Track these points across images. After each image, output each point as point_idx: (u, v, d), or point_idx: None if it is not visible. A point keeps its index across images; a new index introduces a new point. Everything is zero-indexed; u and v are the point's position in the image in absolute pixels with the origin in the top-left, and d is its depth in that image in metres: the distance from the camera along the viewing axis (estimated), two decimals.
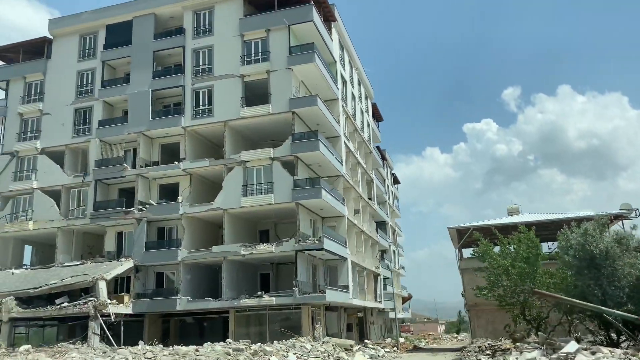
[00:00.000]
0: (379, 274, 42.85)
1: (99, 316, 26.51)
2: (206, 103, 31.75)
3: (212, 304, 28.57)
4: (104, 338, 26.76)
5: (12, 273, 31.96)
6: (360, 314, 40.04)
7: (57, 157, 34.08)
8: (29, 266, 34.65)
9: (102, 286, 27.42)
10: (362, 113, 44.13)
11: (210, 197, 32.82)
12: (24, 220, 33.06)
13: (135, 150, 33.29)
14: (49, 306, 27.72)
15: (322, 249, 27.80)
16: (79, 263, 31.31)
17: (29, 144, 34.48)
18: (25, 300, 28.91)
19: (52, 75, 35.41)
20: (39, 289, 28.41)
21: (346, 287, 31.71)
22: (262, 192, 29.30)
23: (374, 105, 49.06)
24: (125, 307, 28.86)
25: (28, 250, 38.43)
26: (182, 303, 28.75)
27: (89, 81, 34.58)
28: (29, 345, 24.52)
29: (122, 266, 29.24)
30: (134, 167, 32.10)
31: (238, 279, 30.36)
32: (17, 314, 27.77)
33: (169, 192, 32.28)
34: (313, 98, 29.87)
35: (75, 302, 27.26)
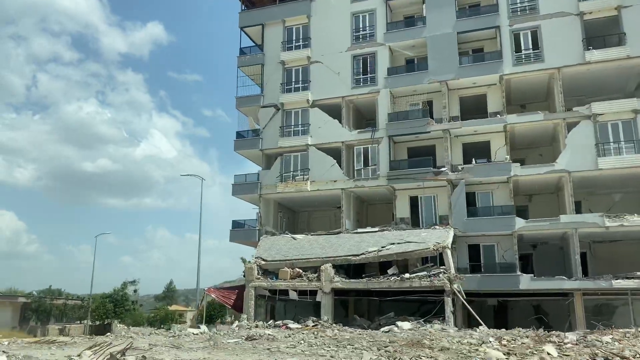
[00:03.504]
0: None
1: (455, 292, 22.19)
2: (530, 47, 26.76)
3: (566, 283, 23.80)
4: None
5: (293, 238, 28.25)
6: None
7: (329, 110, 30.00)
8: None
9: (450, 256, 23.08)
10: None
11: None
12: (300, 180, 29.20)
13: (424, 103, 28.84)
14: (382, 277, 23.65)
15: None
16: (377, 229, 27.17)
17: (297, 95, 30.54)
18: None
19: (319, 18, 31.26)
20: (361, 256, 24.44)
21: None
22: (624, 151, 24.14)
23: None
24: None
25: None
26: (525, 282, 24.12)
27: (367, 24, 30.20)
28: (407, 323, 20.41)
29: (449, 235, 24.82)
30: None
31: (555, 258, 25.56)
32: (341, 284, 23.86)
33: (475, 152, 27.61)
34: None
35: (418, 273, 23.02)
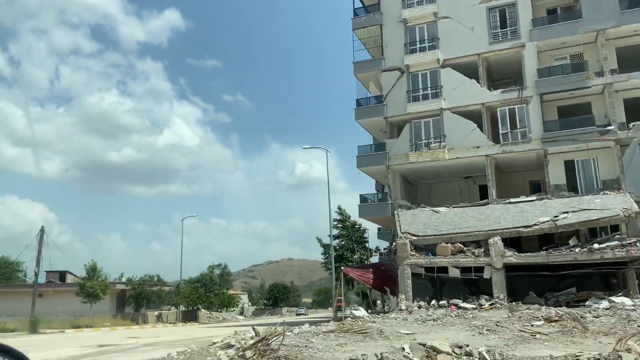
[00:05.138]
0: None
1: None
2: None
3: None
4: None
5: (435, 211, 25.89)
6: None
7: (460, 69, 27.30)
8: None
9: None
10: None
11: None
12: (436, 148, 26.70)
13: (574, 57, 25.91)
14: (564, 249, 21.14)
15: None
16: (534, 198, 24.61)
17: (424, 55, 27.89)
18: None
19: None
20: (534, 227, 21.96)
21: None
22: None
23: None
24: None
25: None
26: None
27: None
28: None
29: (631, 200, 22.09)
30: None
31: None
32: (515, 258, 21.44)
33: (637, 108, 24.66)
34: None
35: (608, 243, 20.42)
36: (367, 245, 64.68)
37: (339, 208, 64.27)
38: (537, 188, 27.64)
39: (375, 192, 30.17)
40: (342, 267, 27.33)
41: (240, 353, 6.92)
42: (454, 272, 22.67)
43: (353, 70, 29.50)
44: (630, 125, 23.67)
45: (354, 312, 21.66)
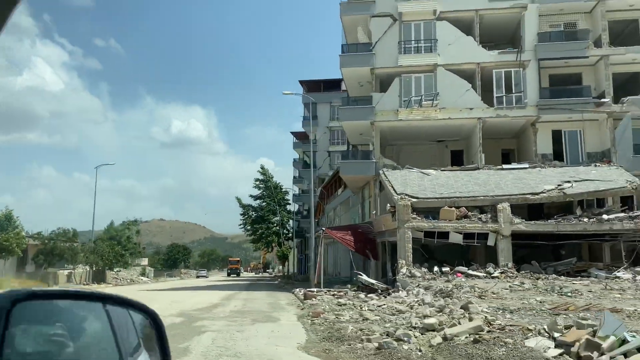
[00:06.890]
0: None
1: None
2: None
3: None
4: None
5: (424, 173, 24.34)
6: None
7: (456, 25, 25.65)
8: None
9: None
10: None
11: None
12: (428, 107, 24.94)
13: (567, 25, 25.48)
14: (573, 218, 20.63)
15: None
16: (527, 166, 23.99)
17: (420, 4, 25.72)
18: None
19: None
20: (541, 194, 21.22)
21: None
22: None
23: None
24: None
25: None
26: None
27: None
28: None
29: (626, 174, 22.24)
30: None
31: None
32: (524, 226, 20.58)
33: (624, 82, 24.97)
34: None
35: (617, 214, 20.27)
36: (288, 207, 62.32)
37: (262, 167, 61.13)
38: (506, 157, 27.30)
39: (349, 150, 27.78)
40: (323, 229, 24.80)
41: None
42: (456, 238, 21.29)
43: (339, 12, 26.43)
44: (624, 99, 23.76)
45: (362, 278, 19.49)
